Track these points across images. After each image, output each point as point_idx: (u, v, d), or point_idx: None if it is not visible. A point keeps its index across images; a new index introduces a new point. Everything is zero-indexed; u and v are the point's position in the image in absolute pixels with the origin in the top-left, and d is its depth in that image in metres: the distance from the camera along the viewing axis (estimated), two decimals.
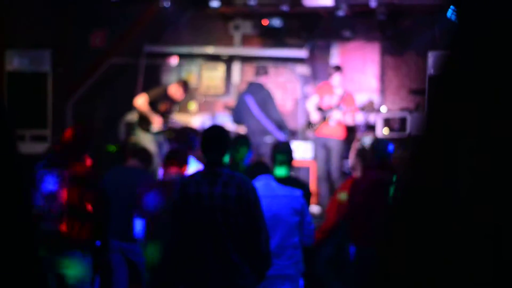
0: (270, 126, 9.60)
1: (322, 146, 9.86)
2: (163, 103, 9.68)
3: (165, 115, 9.73)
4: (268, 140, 9.42)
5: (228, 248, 4.35)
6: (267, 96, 9.78)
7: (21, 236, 1.78)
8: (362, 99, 10.38)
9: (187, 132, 7.34)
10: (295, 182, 6.17)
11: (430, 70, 9.88)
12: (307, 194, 6.24)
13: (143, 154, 6.91)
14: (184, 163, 5.94)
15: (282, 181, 5.67)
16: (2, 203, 1.71)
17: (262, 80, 10.18)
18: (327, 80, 10.17)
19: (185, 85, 9.90)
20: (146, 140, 9.47)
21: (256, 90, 9.85)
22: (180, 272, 4.51)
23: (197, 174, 4.57)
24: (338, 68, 10.08)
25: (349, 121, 10.04)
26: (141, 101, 9.54)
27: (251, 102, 9.71)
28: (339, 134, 9.91)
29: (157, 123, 9.53)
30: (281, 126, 9.75)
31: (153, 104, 9.59)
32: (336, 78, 9.94)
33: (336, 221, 7.04)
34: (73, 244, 5.34)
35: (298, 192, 5.28)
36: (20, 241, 1.77)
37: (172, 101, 9.91)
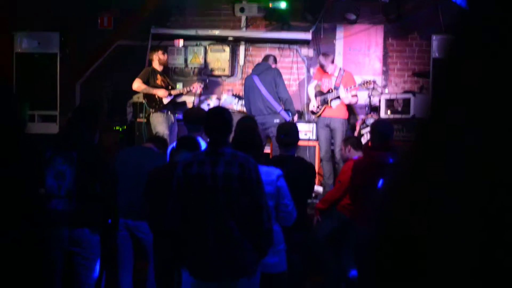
0: (278, 106, 9.59)
1: (325, 126, 9.86)
2: (156, 79, 9.86)
3: (165, 87, 9.89)
4: (276, 120, 9.42)
5: (230, 226, 4.41)
6: (275, 76, 9.73)
7: (27, 214, 1.79)
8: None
9: (194, 111, 7.40)
10: (301, 162, 6.25)
11: (435, 53, 9.94)
12: (312, 175, 6.32)
13: (158, 141, 6.97)
14: (194, 148, 5.95)
15: (285, 162, 5.73)
16: (9, 183, 1.73)
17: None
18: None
19: (157, 48, 10.30)
20: (158, 122, 9.61)
21: (263, 69, 9.82)
22: (183, 250, 4.59)
23: (200, 154, 4.64)
24: (327, 56, 10.03)
25: (353, 101, 10.05)
26: (136, 84, 9.76)
27: (259, 82, 9.68)
28: (342, 114, 9.93)
29: (162, 94, 9.72)
30: (289, 106, 9.72)
31: (148, 84, 9.80)
32: (330, 68, 9.93)
33: (338, 197, 7.15)
34: (82, 222, 5.41)
35: (274, 175, 5.12)
36: (25, 219, 1.79)
37: (162, 74, 10.08)
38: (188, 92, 10.22)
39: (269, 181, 5.05)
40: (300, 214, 5.52)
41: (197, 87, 10.16)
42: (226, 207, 4.41)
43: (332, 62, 9.98)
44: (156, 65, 10.05)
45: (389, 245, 1.22)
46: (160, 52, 10.11)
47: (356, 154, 7.25)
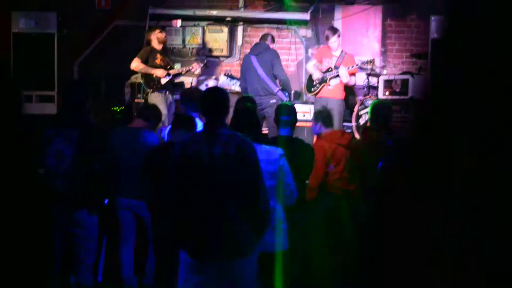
0: (274, 87, 9.59)
1: (323, 107, 9.82)
2: (155, 58, 9.82)
3: (164, 67, 9.85)
4: (272, 101, 9.44)
5: (228, 207, 4.41)
6: (273, 57, 9.72)
7: (32, 196, 1.79)
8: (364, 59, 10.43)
9: (191, 91, 7.38)
10: (299, 143, 6.25)
11: (433, 34, 9.92)
12: (311, 156, 6.32)
13: (147, 113, 6.91)
14: (191, 127, 5.98)
15: (285, 142, 5.73)
16: (12, 164, 1.72)
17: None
18: (326, 44, 10.17)
19: (155, 28, 10.24)
20: (157, 102, 9.57)
21: (262, 50, 9.80)
22: (180, 230, 4.58)
23: (197, 135, 4.64)
24: (334, 30, 10.07)
25: (352, 82, 10.04)
26: (135, 63, 9.72)
27: (256, 63, 9.67)
28: (339, 95, 9.92)
29: (160, 74, 9.68)
30: (285, 87, 9.72)
31: (147, 64, 9.76)
32: (333, 40, 9.94)
33: (321, 178, 7.09)
34: (81, 202, 5.43)
35: (276, 154, 5.15)
36: (30, 201, 1.79)
37: (162, 53, 10.04)
38: (187, 72, 10.19)
39: (272, 160, 5.09)
40: (299, 194, 5.55)
41: (197, 67, 10.12)
42: (224, 187, 4.41)
43: (338, 37, 10.00)
44: (156, 44, 10.00)
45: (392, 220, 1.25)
46: (157, 31, 10.05)
47: (326, 130, 7.14)
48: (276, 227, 5.19)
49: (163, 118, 9.25)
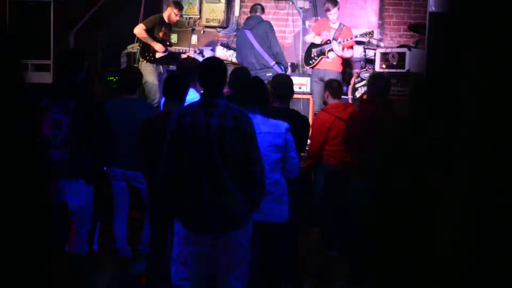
0: (271, 61, 9.58)
1: (319, 80, 9.88)
2: (160, 31, 9.81)
3: (164, 42, 9.85)
4: (268, 74, 9.42)
5: (223, 178, 4.44)
6: (267, 29, 9.71)
7: (30, 165, 1.78)
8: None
9: (188, 61, 7.34)
10: (295, 115, 6.25)
11: (431, 6, 9.86)
12: (306, 128, 6.34)
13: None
14: (183, 91, 5.96)
15: (281, 114, 5.74)
16: (9, 132, 1.71)
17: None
18: (324, 17, 10.16)
19: (176, 4, 10.10)
20: (148, 72, 9.57)
21: (255, 24, 9.78)
22: (176, 201, 4.63)
23: (194, 105, 4.63)
24: (335, 2, 10.05)
25: (347, 54, 10.08)
26: (138, 29, 9.71)
27: (251, 36, 9.66)
28: (336, 67, 9.96)
29: (159, 48, 9.67)
30: (280, 60, 9.72)
31: (150, 33, 9.73)
32: (333, 12, 9.93)
33: (321, 144, 7.14)
34: (77, 172, 5.42)
35: (283, 128, 5.20)
36: (28, 169, 1.78)
37: (168, 27, 10.02)
38: (185, 53, 10.23)
39: (278, 134, 5.16)
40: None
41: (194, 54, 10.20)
42: (220, 158, 4.43)
43: (338, 9, 10.04)
44: (166, 17, 9.98)
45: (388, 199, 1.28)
46: (177, 10, 10.00)
47: (333, 101, 7.28)
48: (281, 199, 5.28)
49: (153, 88, 9.32)
